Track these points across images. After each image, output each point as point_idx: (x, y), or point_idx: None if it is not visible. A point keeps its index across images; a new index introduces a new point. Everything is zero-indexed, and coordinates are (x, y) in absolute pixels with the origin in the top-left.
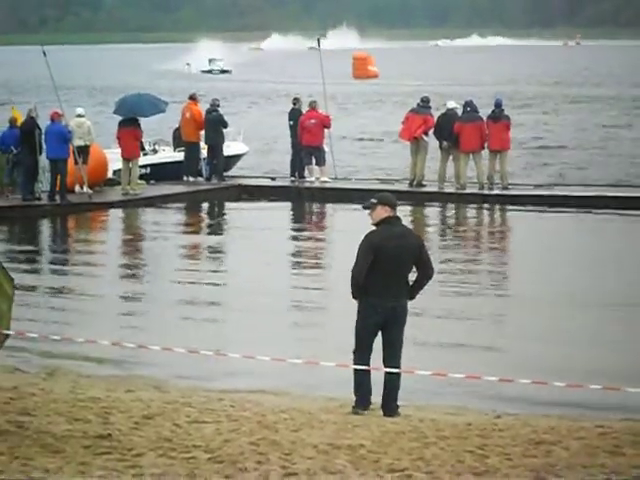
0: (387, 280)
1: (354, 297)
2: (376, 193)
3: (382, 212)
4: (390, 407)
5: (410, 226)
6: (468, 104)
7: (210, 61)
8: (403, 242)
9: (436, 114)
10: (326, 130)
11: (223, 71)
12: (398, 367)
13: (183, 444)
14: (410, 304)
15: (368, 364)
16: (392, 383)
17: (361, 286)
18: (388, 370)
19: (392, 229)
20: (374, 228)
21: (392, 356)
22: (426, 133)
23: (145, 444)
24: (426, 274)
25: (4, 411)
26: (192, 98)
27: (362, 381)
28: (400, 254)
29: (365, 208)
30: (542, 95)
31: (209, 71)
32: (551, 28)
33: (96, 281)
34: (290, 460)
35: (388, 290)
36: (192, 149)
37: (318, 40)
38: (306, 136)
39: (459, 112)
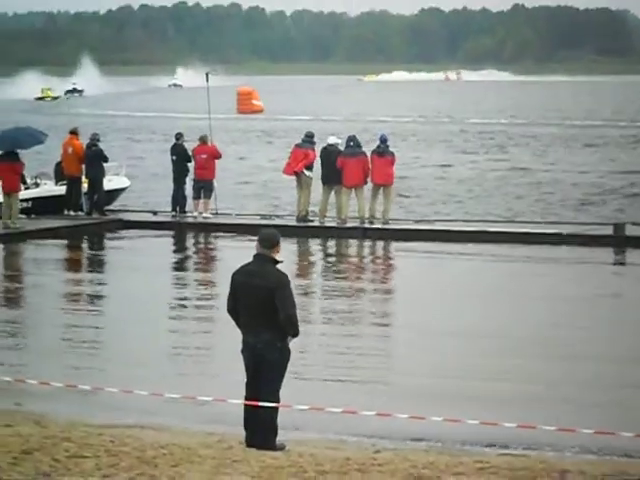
0: (243, 315)
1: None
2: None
3: (256, 248)
4: (256, 441)
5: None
6: (351, 139)
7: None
8: (250, 280)
9: (319, 149)
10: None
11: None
12: (265, 401)
13: None
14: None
15: (247, 398)
16: (258, 417)
17: (234, 318)
18: (251, 403)
19: (247, 266)
20: None
21: (260, 391)
22: (308, 167)
23: None
24: (282, 316)
25: None
26: (73, 132)
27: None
28: (247, 291)
29: None
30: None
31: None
32: (433, 63)
33: None
34: None
35: (246, 326)
36: (73, 183)
37: (207, 75)
38: (198, 170)
39: (341, 147)
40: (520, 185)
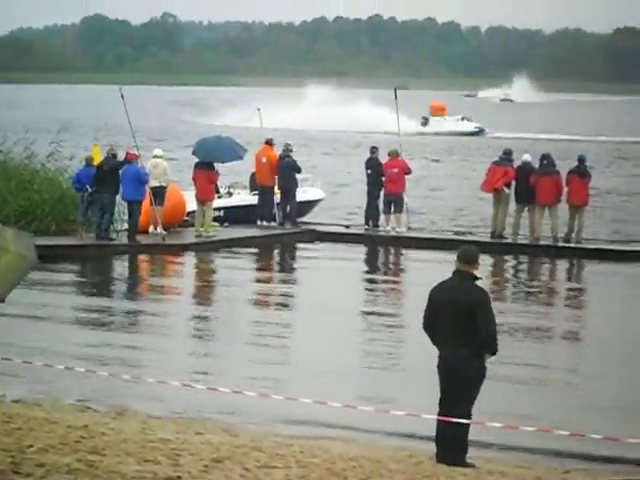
0: (439, 329)
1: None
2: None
3: (455, 265)
4: (446, 457)
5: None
6: (545, 157)
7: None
8: (448, 296)
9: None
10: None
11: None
12: (457, 417)
13: None
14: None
15: (440, 413)
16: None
17: (430, 335)
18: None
19: (447, 282)
20: None
21: (453, 407)
22: (507, 185)
23: None
24: (483, 333)
25: (75, 449)
26: (268, 143)
27: None
28: (446, 307)
29: None
30: None
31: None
32: (630, 83)
33: (167, 321)
34: None
35: (443, 342)
36: (266, 193)
37: (395, 90)
38: (388, 185)
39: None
40: None
